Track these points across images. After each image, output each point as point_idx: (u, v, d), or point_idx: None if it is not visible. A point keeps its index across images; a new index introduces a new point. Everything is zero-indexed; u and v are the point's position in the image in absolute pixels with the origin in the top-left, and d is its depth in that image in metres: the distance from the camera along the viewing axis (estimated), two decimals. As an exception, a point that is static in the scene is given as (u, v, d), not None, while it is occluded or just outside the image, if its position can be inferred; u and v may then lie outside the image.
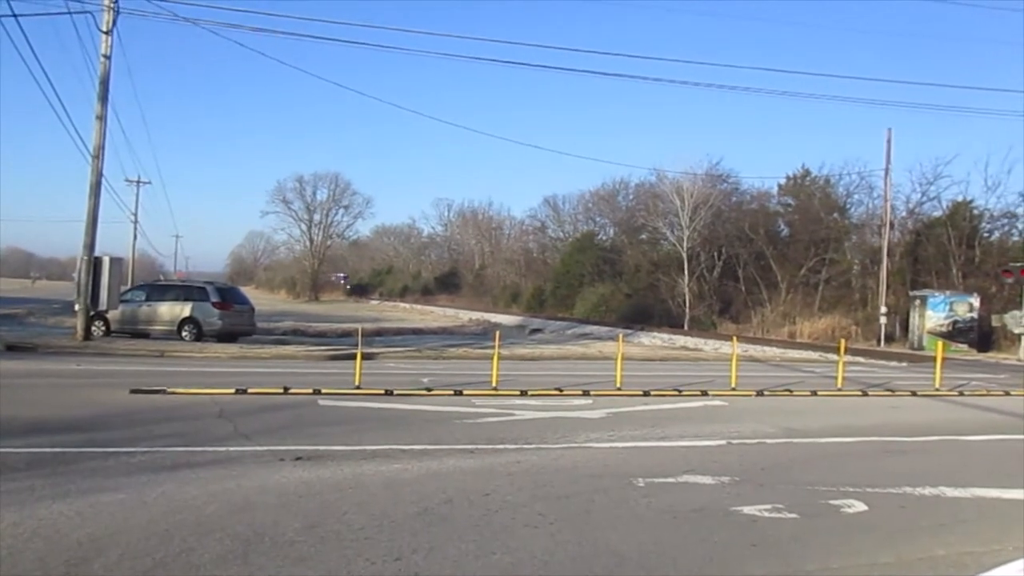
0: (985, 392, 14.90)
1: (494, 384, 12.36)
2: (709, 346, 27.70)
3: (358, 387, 11.72)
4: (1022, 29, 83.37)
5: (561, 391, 12.37)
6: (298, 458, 6.86)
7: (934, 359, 15.96)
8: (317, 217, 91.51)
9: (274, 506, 5.28)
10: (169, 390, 10.83)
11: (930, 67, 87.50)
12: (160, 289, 24.64)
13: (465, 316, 50.49)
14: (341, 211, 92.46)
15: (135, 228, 60.08)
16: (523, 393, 11.88)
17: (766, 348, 27.18)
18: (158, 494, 5.45)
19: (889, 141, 35.13)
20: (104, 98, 19.90)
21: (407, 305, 69.57)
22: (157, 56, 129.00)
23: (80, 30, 23.88)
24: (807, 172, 49.12)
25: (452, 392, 11.79)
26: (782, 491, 6.25)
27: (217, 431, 8.24)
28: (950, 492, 6.44)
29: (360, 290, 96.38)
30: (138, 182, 57.46)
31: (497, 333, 15.59)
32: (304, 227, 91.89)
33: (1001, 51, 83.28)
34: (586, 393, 12.23)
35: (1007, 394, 14.66)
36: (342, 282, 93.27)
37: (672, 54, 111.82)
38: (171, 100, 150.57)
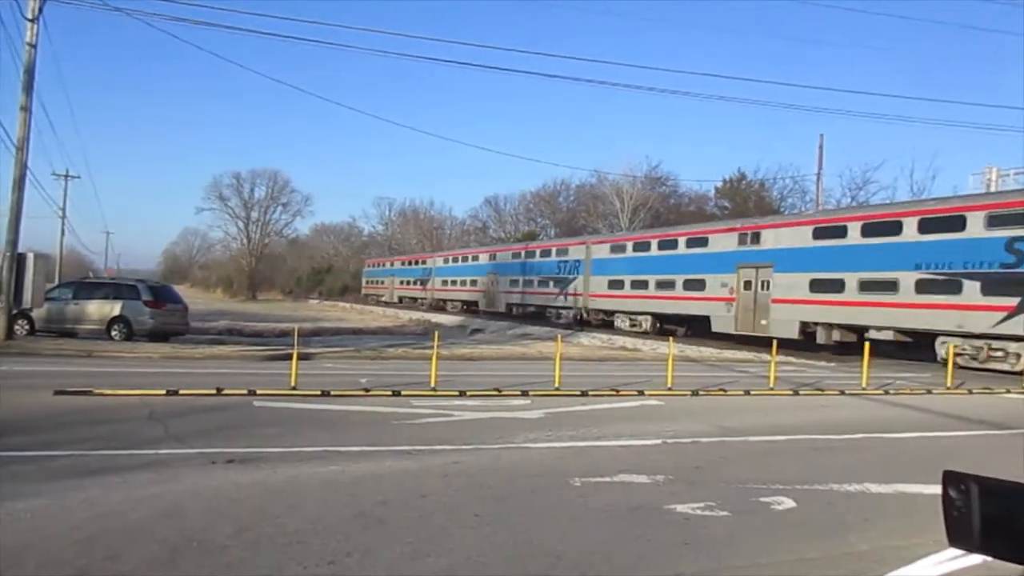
0: (909, 391, 15.42)
1: (433, 384, 12.30)
2: (647, 346, 28.03)
3: (294, 388, 11.52)
4: (950, 42, 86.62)
5: (500, 391, 12.37)
6: (231, 461, 6.72)
7: (861, 359, 16.46)
8: (255, 214, 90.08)
9: (205, 510, 5.16)
10: (96, 391, 10.48)
11: (861, 76, 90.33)
12: (88, 287, 23.83)
13: (405, 316, 50.09)
14: (279, 209, 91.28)
15: (63, 224, 58.25)
16: (462, 394, 11.85)
17: (702, 348, 27.64)
18: (81, 499, 5.27)
19: (821, 147, 36.04)
20: (29, 88, 19.16)
21: (347, 305, 68.61)
22: (84, 48, 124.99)
23: (4, 17, 22.96)
24: (743, 176, 50.49)
25: (390, 393, 11.69)
26: (715, 489, 6.37)
27: (146, 433, 8.00)
28: (875, 488, 6.66)
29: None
30: (66, 176, 55.83)
31: (436, 333, 15.53)
32: (241, 225, 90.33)
33: (929, 62, 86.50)
34: (525, 393, 12.26)
35: (929, 392, 15.21)
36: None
37: (613, 58, 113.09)
38: (101, 93, 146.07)
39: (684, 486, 6.46)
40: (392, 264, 70.22)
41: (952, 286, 20.63)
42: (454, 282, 52.77)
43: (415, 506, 5.49)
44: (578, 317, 37.81)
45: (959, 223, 20.79)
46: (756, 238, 27.84)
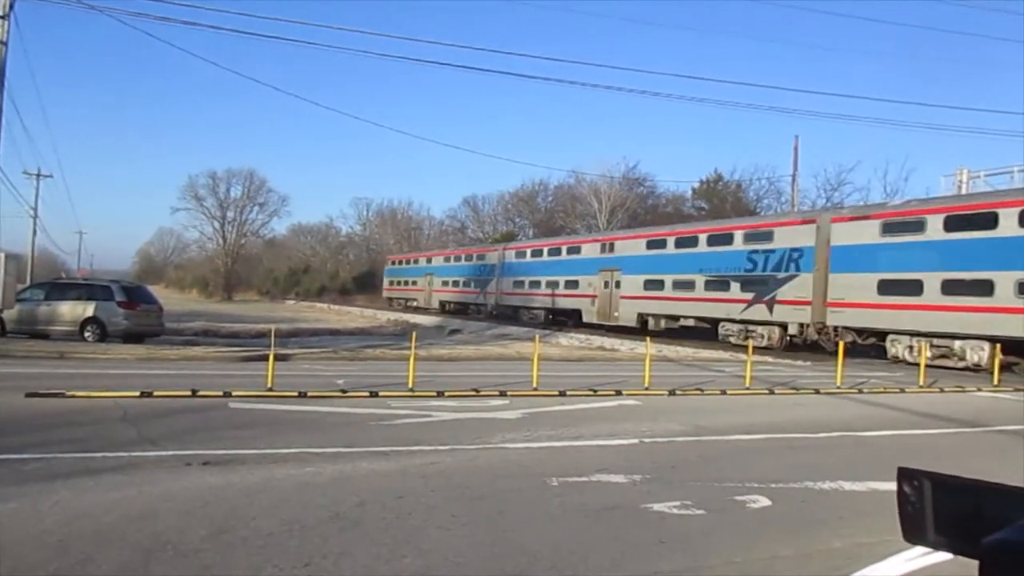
0: (882, 390, 15.60)
1: (411, 385, 12.26)
2: (625, 346, 28.14)
3: (271, 389, 11.43)
4: (925, 45, 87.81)
5: (478, 392, 12.36)
6: (206, 463, 6.66)
7: (836, 358, 16.64)
8: (231, 214, 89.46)
9: (179, 513, 5.11)
10: (68, 393, 10.33)
11: (836, 78, 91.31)
12: (61, 288, 23.52)
13: (383, 317, 49.95)
14: (256, 209, 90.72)
15: (35, 223, 57.35)
16: (440, 394, 11.82)
17: (679, 348, 27.79)
18: (53, 503, 5.20)
19: (796, 148, 36.33)
20: (0, 86, 18.90)
21: (324, 305, 68.22)
22: (56, 45, 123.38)
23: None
24: (720, 177, 50.88)
25: (368, 394, 11.64)
26: (691, 488, 6.41)
27: (120, 436, 7.91)
28: (848, 486, 6.73)
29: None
30: (38, 175, 54.96)
31: (414, 334, 15.49)
32: (217, 225, 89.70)
33: (903, 65, 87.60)
34: (503, 394, 12.26)
35: (902, 391, 15.40)
36: None
37: (591, 58, 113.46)
38: (74, 92, 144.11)
39: (661, 485, 6.49)
40: (430, 260, 55.56)
41: None
42: (535, 283, 38.52)
43: (392, 507, 5.47)
44: (790, 340, 24.81)
45: None
46: None
